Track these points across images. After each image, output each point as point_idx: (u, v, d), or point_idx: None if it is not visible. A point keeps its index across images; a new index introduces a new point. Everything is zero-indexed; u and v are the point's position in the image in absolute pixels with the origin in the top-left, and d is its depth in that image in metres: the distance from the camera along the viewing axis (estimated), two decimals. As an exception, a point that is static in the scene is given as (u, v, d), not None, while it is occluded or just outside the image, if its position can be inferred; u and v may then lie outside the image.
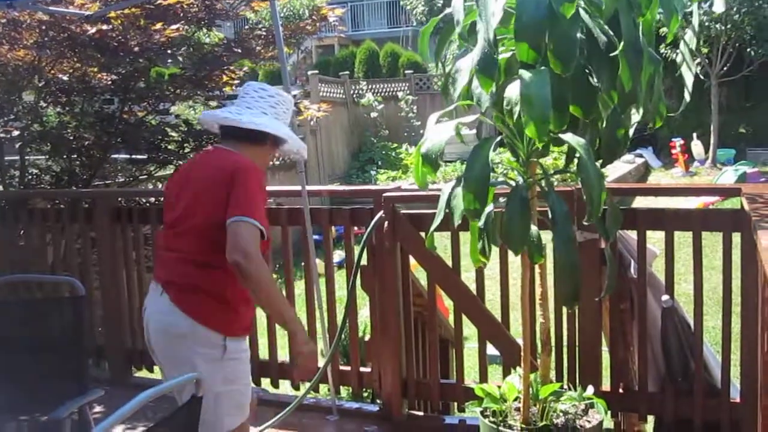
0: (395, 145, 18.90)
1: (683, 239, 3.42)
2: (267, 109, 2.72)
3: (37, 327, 3.21)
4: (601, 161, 2.54)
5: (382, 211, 3.72)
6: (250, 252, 2.40)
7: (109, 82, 5.80)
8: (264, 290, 2.49)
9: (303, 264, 4.14)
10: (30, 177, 6.09)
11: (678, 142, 17.11)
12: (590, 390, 2.95)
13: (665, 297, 3.40)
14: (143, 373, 4.69)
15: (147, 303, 2.72)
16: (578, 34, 2.21)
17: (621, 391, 3.50)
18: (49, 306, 3.31)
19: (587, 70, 2.33)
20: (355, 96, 19.33)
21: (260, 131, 2.66)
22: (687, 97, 2.64)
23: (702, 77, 16.71)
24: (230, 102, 5.67)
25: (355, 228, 4.05)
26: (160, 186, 7.92)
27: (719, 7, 2.36)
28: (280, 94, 2.78)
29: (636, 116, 2.54)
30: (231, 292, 2.58)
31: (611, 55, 2.24)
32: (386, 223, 3.71)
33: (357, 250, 3.84)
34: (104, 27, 5.25)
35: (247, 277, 2.42)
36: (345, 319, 3.90)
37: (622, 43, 2.17)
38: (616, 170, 15.54)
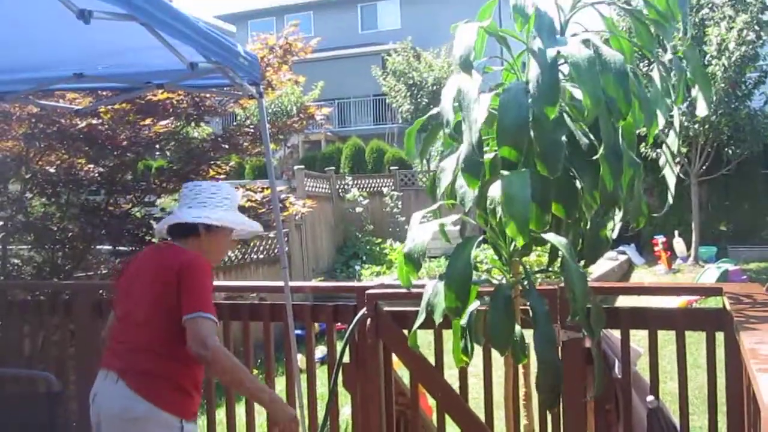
0: (380, 240, 18.95)
1: (668, 337, 3.41)
2: (206, 202, 2.93)
3: (10, 423, 3.13)
4: (584, 261, 2.56)
5: (365, 308, 3.70)
6: (212, 345, 2.60)
7: (96, 174, 5.84)
8: (230, 375, 2.71)
9: (284, 360, 4.09)
10: (11, 267, 6.04)
11: (660, 239, 17.25)
12: (576, 494, 2.88)
13: (650, 398, 3.37)
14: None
15: (96, 391, 2.82)
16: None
17: (608, 494, 3.42)
18: (23, 402, 3.22)
19: (570, 172, 2.37)
20: (340, 191, 19.49)
21: (193, 224, 2.89)
22: (670, 198, 2.69)
23: (682, 176, 17.01)
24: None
25: (338, 324, 4.02)
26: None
27: (702, 111, 2.43)
28: (214, 185, 3.00)
29: (618, 215, 2.58)
30: (184, 377, 2.77)
31: (593, 158, 2.29)
32: (369, 320, 3.68)
33: (339, 346, 3.80)
34: (94, 121, 5.31)
35: (213, 367, 2.66)
36: (326, 418, 3.83)
37: (602, 147, 2.22)
38: (599, 267, 15.59)
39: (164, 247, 2.96)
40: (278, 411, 2.83)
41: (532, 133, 2.24)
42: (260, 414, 4.20)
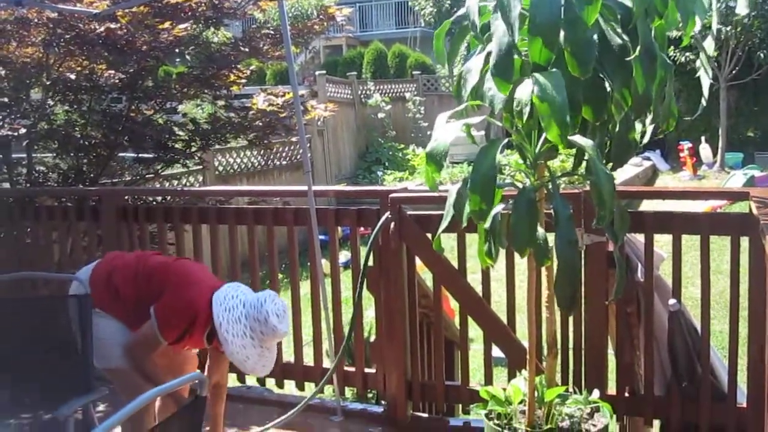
0: (402, 146, 18.88)
1: (691, 243, 3.40)
2: (246, 332, 2.86)
3: (42, 325, 3.21)
4: (611, 164, 2.53)
5: (388, 212, 3.71)
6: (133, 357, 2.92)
7: (117, 81, 5.80)
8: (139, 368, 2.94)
9: (309, 264, 4.13)
10: (37, 175, 6.09)
11: (686, 145, 17.05)
12: (596, 393, 2.93)
13: (672, 301, 3.39)
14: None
15: None
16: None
17: (627, 394, 3.48)
18: (54, 304, 3.30)
19: (600, 74, 2.31)
20: (362, 96, 19.32)
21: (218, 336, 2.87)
22: (704, 101, 2.63)
23: (711, 80, 16.66)
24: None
25: (362, 229, 4.04)
26: (167, 185, 7.95)
27: (743, 9, 2.34)
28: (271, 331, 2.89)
29: (648, 119, 2.53)
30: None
31: (626, 59, 2.23)
32: (392, 224, 3.70)
33: (363, 251, 3.84)
34: (112, 25, 5.24)
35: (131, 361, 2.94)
36: (353, 322, 3.89)
37: (638, 48, 2.16)
38: (623, 173, 15.48)
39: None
40: None
41: (562, 33, 2.18)
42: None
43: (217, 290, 2.95)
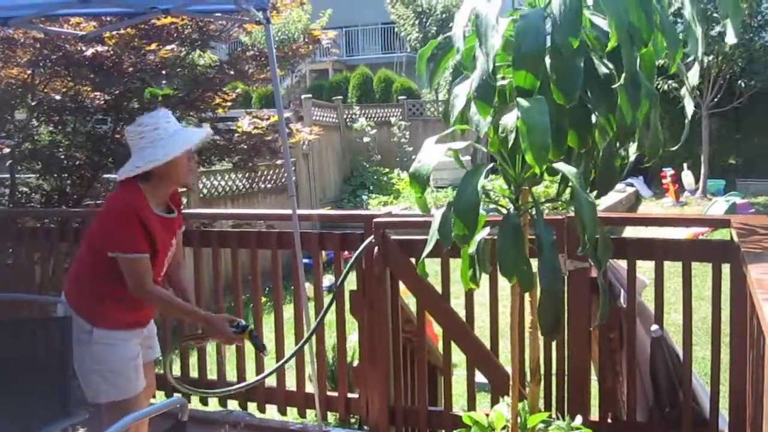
0: (387, 170, 18.93)
1: (673, 269, 3.42)
2: (137, 145, 3.04)
3: (22, 347, 3.18)
4: (596, 191, 2.55)
5: (372, 237, 3.71)
6: (148, 290, 2.98)
7: (102, 102, 5.80)
8: (164, 307, 3.25)
9: (292, 288, 4.13)
10: (20, 195, 6.06)
11: (669, 172, 17.18)
12: (579, 419, 2.93)
13: (654, 327, 3.40)
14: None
15: None
16: (579, 65, 2.21)
17: (609, 420, 3.48)
18: (35, 326, 3.27)
19: (585, 101, 2.33)
20: (348, 120, 19.37)
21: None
22: (686, 131, 2.66)
23: (694, 108, 16.82)
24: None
25: (346, 252, 4.04)
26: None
27: (731, 39, 2.36)
28: (138, 124, 3.06)
29: (632, 147, 2.55)
30: (102, 289, 3.04)
31: (611, 87, 2.25)
32: (376, 248, 3.70)
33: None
34: (99, 48, 5.25)
35: (151, 304, 3.12)
36: (312, 332, 3.84)
37: (623, 76, 2.18)
38: (607, 199, 15.56)
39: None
40: (211, 325, 3.13)
41: (548, 61, 2.20)
42: (269, 340, 4.26)
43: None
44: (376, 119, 20.20)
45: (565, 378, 3.49)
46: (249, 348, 4.00)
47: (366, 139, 19.18)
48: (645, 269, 3.43)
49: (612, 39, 2.15)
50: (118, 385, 3.02)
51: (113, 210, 3.05)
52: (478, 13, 2.26)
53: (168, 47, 5.39)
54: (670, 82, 15.01)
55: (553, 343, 3.49)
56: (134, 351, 3.11)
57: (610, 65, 2.33)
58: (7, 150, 5.45)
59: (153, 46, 5.39)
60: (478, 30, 2.25)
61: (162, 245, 3.06)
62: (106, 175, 6.58)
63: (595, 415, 3.50)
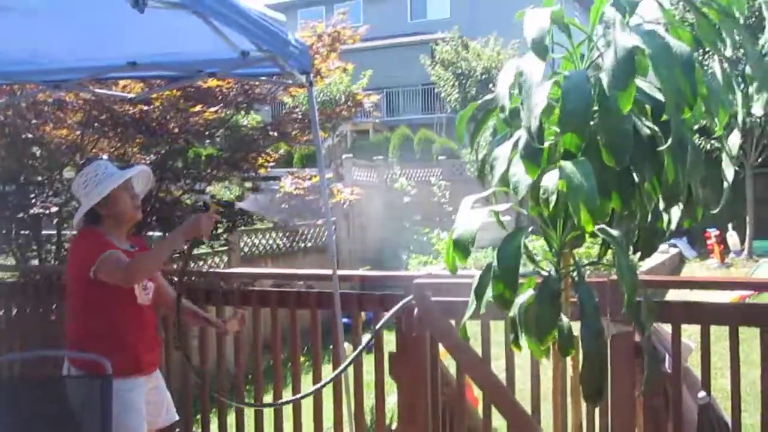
0: (427, 229, 18.92)
1: (719, 332, 3.34)
2: (81, 194, 3.31)
3: (63, 404, 3.20)
4: (639, 254, 2.52)
5: (410, 296, 3.70)
6: (123, 268, 3.11)
7: (148, 162, 5.91)
8: (146, 267, 3.24)
9: (331, 347, 4.11)
10: (65, 253, 6.16)
11: (713, 232, 16.93)
12: (623, 489, 2.85)
13: (702, 393, 3.31)
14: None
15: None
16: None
17: (656, 491, 3.37)
18: (76, 383, 3.29)
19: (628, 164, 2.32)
20: (388, 180, 19.50)
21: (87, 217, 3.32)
22: (726, 193, 2.63)
23: (737, 168, 16.65)
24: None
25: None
26: (192, 265, 8.00)
27: (759, 110, 2.36)
28: (79, 176, 3.38)
29: (677, 210, 2.52)
30: (99, 332, 3.27)
31: (657, 150, 2.24)
32: (416, 310, 3.68)
33: (386, 336, 3.82)
34: (145, 108, 5.38)
35: (135, 277, 3.19)
36: (351, 362, 3.82)
37: (670, 139, 2.17)
38: (650, 260, 15.32)
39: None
40: (186, 230, 3.25)
41: (593, 123, 2.20)
42: (307, 401, 4.24)
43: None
44: (416, 179, 20.31)
45: (609, 445, 3.40)
46: (287, 408, 3.99)
47: (406, 199, 19.26)
48: (690, 332, 3.36)
49: (668, 105, 2.15)
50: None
51: (78, 247, 3.35)
52: (523, 71, 2.27)
53: (213, 109, 5.49)
54: (712, 141, 14.89)
55: (596, 410, 3.41)
56: (140, 401, 3.23)
57: (654, 127, 2.33)
58: (54, 208, 5.56)
59: (198, 108, 5.50)
60: (522, 88, 2.27)
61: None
62: (149, 233, 6.68)
63: (640, 485, 3.40)
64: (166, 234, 3.36)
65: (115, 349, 3.20)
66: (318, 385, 3.76)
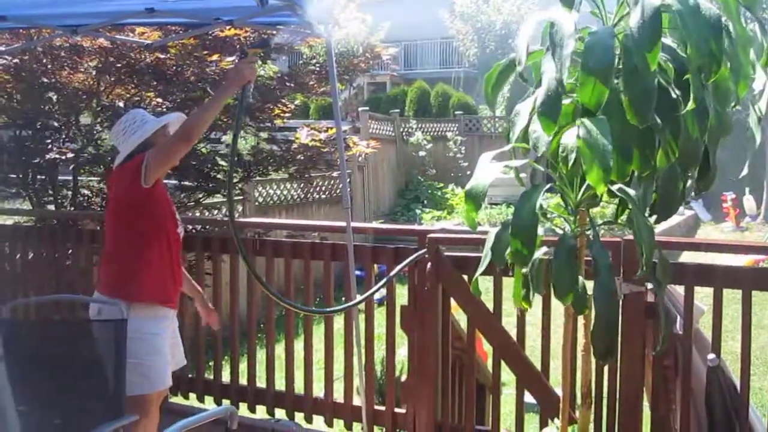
0: (441, 185, 18.90)
1: (731, 296, 3.33)
2: (124, 138, 3.39)
3: (78, 348, 3.25)
4: (656, 216, 2.50)
5: (423, 249, 3.70)
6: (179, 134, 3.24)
7: (165, 110, 5.90)
8: (201, 116, 3.29)
9: (343, 299, 4.14)
10: (82, 198, 6.20)
11: (729, 196, 16.83)
12: (630, 447, 2.87)
13: (711, 356, 3.32)
14: (179, 399, 4.71)
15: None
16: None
17: (662, 449, 3.40)
18: (92, 327, 3.33)
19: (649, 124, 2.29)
20: (404, 134, 19.41)
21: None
22: (747, 164, 2.60)
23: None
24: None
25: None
26: (207, 214, 8.04)
27: (765, 106, 2.32)
28: (118, 124, 3.45)
29: (694, 174, 2.49)
30: (135, 255, 3.33)
31: (680, 113, 2.21)
32: (429, 264, 3.69)
33: (399, 289, 3.83)
34: (161, 55, 5.35)
35: (193, 134, 3.24)
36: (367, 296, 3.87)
37: (690, 102, 2.13)
38: (665, 222, 15.27)
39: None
40: (230, 81, 3.31)
41: (616, 81, 2.17)
42: (318, 351, 4.28)
43: None
44: (432, 134, 20.21)
45: (617, 404, 3.42)
46: (298, 357, 4.03)
47: (422, 154, 19.19)
48: (702, 295, 3.36)
49: (692, 66, 2.11)
50: (150, 377, 3.19)
51: (121, 174, 3.37)
52: (554, 22, 2.23)
53: (229, 58, 5.46)
54: (736, 107, 14.71)
55: (606, 368, 3.43)
56: (165, 344, 3.30)
57: (677, 90, 2.29)
58: (71, 154, 5.58)
59: (215, 57, 5.46)
60: (552, 39, 2.22)
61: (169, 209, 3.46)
62: (165, 181, 6.69)
63: (646, 443, 3.43)
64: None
65: (156, 275, 3.32)
66: (348, 304, 3.76)
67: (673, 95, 2.26)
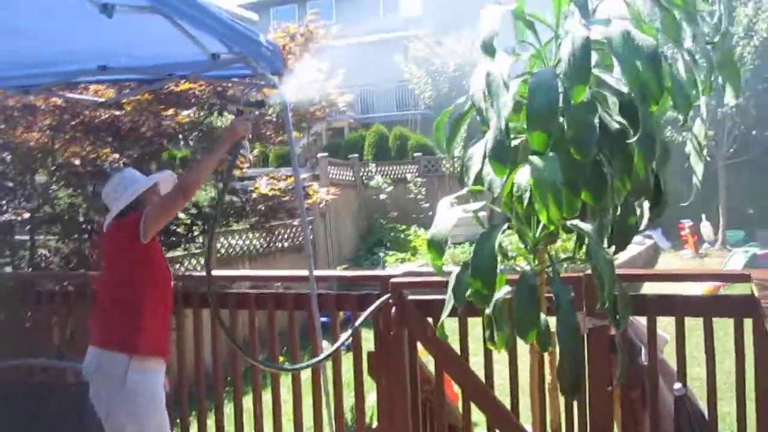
0: (404, 227, 18.91)
1: (693, 322, 3.38)
2: (113, 199, 3.46)
3: (39, 413, 3.17)
4: (613, 248, 2.54)
5: (386, 295, 3.70)
6: (178, 186, 3.31)
7: (121, 165, 5.87)
8: (196, 172, 3.36)
9: (310, 347, 4.11)
10: (39, 258, 6.10)
11: (687, 223, 17.10)
12: (603, 482, 2.87)
13: (678, 385, 3.35)
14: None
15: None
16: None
17: (635, 482, 3.40)
18: (52, 392, 3.26)
19: (598, 158, 2.34)
20: (364, 178, 19.47)
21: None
22: (697, 185, 2.65)
23: (708, 159, 16.85)
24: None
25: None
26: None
27: (730, 100, 2.38)
28: (107, 186, 3.53)
29: (647, 204, 2.54)
30: (136, 302, 3.37)
31: (625, 143, 2.25)
32: (393, 309, 3.68)
33: (365, 334, 3.81)
34: (116, 112, 5.34)
35: (191, 189, 3.32)
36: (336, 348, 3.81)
37: (639, 132, 2.18)
38: (625, 252, 15.40)
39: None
40: (225, 138, 3.38)
41: (561, 119, 2.21)
42: (286, 402, 4.23)
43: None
44: (392, 176, 20.29)
45: (588, 438, 3.42)
46: (267, 408, 3.97)
47: (382, 197, 19.24)
48: (665, 323, 3.39)
49: (629, 89, 2.16)
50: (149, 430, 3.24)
51: (115, 233, 3.43)
52: (489, 72, 2.28)
53: (185, 112, 5.48)
54: (684, 133, 15.04)
55: (575, 403, 3.44)
56: (162, 394, 3.35)
57: (623, 121, 2.34)
58: (27, 214, 5.51)
59: (170, 112, 5.47)
60: (489, 89, 2.27)
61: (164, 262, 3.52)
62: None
63: (619, 477, 3.43)
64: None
65: (158, 323, 3.39)
66: (317, 359, 3.73)
67: (618, 126, 2.31)
